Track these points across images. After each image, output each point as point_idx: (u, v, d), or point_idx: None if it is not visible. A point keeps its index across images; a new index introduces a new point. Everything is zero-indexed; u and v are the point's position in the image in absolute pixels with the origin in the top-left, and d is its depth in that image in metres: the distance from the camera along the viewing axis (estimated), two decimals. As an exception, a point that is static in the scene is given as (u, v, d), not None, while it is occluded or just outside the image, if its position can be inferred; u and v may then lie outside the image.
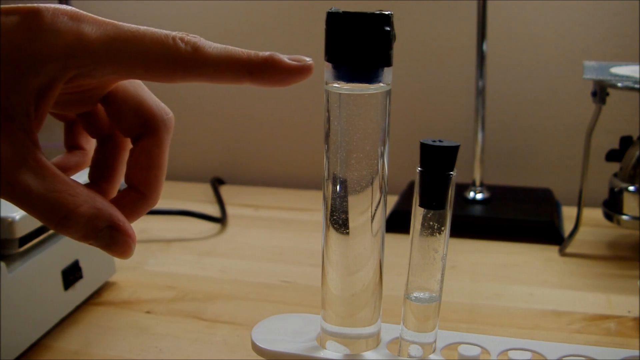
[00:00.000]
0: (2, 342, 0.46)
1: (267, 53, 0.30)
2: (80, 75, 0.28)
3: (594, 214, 0.73)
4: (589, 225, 0.73)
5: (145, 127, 0.33)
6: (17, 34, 0.27)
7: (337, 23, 0.33)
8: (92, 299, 0.59)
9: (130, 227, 0.30)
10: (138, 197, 0.33)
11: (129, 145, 0.34)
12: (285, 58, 0.30)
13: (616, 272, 0.64)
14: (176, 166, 1.00)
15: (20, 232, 0.49)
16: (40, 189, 0.27)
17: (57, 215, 0.28)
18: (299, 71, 0.30)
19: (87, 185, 0.31)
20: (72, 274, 0.55)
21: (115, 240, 0.29)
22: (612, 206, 0.68)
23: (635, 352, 0.39)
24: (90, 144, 0.36)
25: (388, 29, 0.33)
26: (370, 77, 0.34)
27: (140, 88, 0.33)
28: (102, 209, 0.29)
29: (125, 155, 0.34)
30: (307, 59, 0.31)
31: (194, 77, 0.29)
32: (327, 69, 0.34)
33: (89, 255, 0.57)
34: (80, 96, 0.32)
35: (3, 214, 0.48)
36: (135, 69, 0.29)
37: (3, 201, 0.49)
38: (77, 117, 0.34)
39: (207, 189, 0.93)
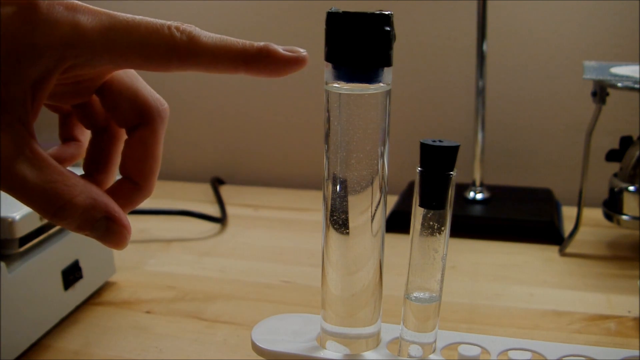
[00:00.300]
0: (2, 342, 0.46)
1: (262, 43, 0.30)
2: (76, 66, 0.28)
3: (594, 214, 0.73)
4: (589, 225, 0.73)
5: (140, 117, 0.33)
6: (14, 24, 0.27)
7: (337, 23, 0.33)
8: (92, 299, 0.59)
9: (126, 217, 0.30)
10: (133, 188, 0.33)
11: (123, 136, 0.34)
12: (279, 49, 0.30)
13: (616, 272, 0.64)
14: (176, 166, 1.00)
15: (20, 232, 0.49)
16: (37, 179, 0.27)
17: (53, 206, 0.28)
18: (293, 62, 0.31)
19: (82, 177, 0.31)
20: (72, 274, 0.55)
21: (111, 230, 0.30)
22: (612, 206, 0.68)
23: (635, 352, 0.39)
24: (85, 136, 0.36)
25: (388, 29, 0.33)
26: (370, 77, 0.34)
27: (135, 79, 0.33)
28: (98, 200, 0.29)
29: (120, 146, 0.34)
30: (302, 50, 0.31)
31: (189, 66, 0.29)
32: (327, 69, 0.34)
33: (89, 255, 0.57)
34: (76, 87, 0.32)
35: (3, 214, 0.48)
36: (131, 58, 0.29)
37: (3, 201, 0.49)
38: (72, 108, 0.35)
39: (207, 189, 0.93)
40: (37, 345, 0.51)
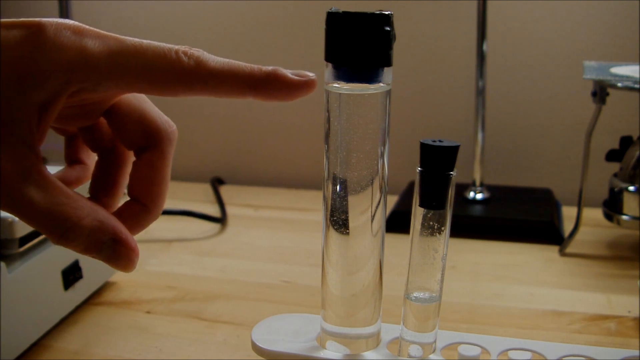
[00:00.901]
0: (2, 342, 0.46)
1: (270, 68, 0.30)
2: (83, 90, 0.28)
3: (594, 214, 0.73)
4: (589, 225, 0.73)
5: (148, 139, 0.32)
6: (20, 48, 0.27)
7: (337, 23, 0.33)
8: (92, 299, 0.59)
9: (133, 240, 0.30)
10: (141, 210, 0.33)
11: (130, 158, 0.34)
12: (288, 73, 0.30)
13: (616, 272, 0.64)
14: (176, 166, 0.99)
15: (20, 232, 0.49)
16: (44, 202, 0.27)
17: (60, 228, 0.28)
18: (302, 86, 0.30)
19: (88, 199, 0.31)
20: (72, 274, 0.55)
21: (118, 253, 0.29)
22: (612, 206, 0.68)
23: (635, 352, 0.39)
24: (91, 158, 0.36)
25: (388, 29, 0.33)
26: (370, 77, 0.34)
27: (143, 101, 0.33)
28: (105, 222, 0.29)
29: (127, 169, 0.34)
30: (311, 74, 0.31)
31: (197, 91, 0.29)
32: (327, 69, 0.34)
33: (89, 255, 0.57)
34: (82, 110, 0.31)
35: (3, 214, 0.48)
36: (138, 82, 0.29)
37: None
38: (78, 130, 0.34)
39: (207, 189, 0.93)
40: (37, 345, 0.51)
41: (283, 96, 0.30)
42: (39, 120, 0.28)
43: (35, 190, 0.27)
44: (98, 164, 0.35)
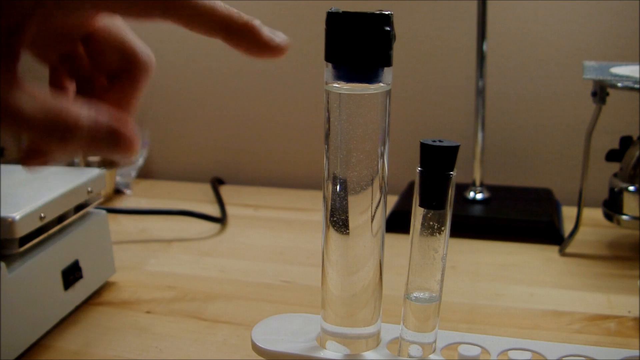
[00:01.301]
0: (2, 342, 0.46)
1: (250, 18, 0.30)
2: (57, 13, 0.28)
3: (594, 214, 0.73)
4: (589, 225, 0.73)
5: (124, 63, 0.33)
6: None
7: (337, 23, 0.33)
8: (92, 299, 0.59)
9: (130, 126, 0.30)
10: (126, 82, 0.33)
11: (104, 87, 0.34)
12: (264, 30, 0.30)
13: (616, 272, 0.64)
14: (176, 166, 1.00)
15: (20, 232, 0.49)
16: (35, 107, 0.27)
17: (57, 129, 0.28)
18: (271, 49, 0.30)
19: None
20: (72, 274, 0.55)
21: (117, 142, 0.29)
22: (612, 206, 0.68)
23: (635, 352, 0.39)
24: (73, 86, 0.36)
25: (388, 29, 0.33)
26: (370, 77, 0.34)
27: (123, 28, 0.33)
28: (99, 115, 0.29)
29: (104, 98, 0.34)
30: (284, 40, 0.30)
31: (172, 18, 0.29)
32: (327, 69, 0.34)
33: (89, 255, 0.57)
34: (60, 37, 0.32)
35: (3, 214, 0.48)
36: (113, 4, 0.28)
37: (3, 201, 0.49)
38: (58, 60, 0.34)
39: (207, 189, 0.93)
40: (37, 345, 0.51)
41: (250, 50, 0.30)
42: (10, 43, 0.27)
43: (22, 99, 0.27)
44: (75, 92, 0.35)
